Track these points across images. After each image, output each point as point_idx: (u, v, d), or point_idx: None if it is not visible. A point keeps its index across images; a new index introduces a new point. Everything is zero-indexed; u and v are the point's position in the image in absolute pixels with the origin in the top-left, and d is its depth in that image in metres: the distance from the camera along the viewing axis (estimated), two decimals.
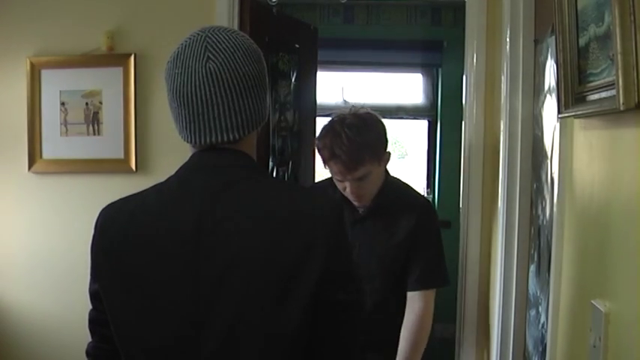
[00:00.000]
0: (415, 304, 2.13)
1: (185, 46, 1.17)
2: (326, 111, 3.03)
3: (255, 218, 1.12)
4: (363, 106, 2.14)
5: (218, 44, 1.16)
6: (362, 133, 2.01)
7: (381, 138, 2.09)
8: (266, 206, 1.14)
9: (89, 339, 1.29)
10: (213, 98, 1.14)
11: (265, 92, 1.22)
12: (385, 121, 2.15)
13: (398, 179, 2.31)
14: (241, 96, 1.16)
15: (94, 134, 2.82)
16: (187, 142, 1.19)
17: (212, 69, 1.14)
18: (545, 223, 1.90)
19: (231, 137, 1.16)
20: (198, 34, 1.18)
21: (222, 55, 1.15)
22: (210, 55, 1.15)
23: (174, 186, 1.19)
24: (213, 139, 1.16)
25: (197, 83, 1.14)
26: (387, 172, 2.23)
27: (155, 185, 1.22)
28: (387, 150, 2.14)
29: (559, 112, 1.32)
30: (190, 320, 1.11)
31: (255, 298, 1.09)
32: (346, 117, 2.05)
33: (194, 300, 1.11)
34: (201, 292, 1.10)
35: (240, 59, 1.16)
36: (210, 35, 1.17)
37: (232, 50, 1.16)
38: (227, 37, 1.18)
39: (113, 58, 2.78)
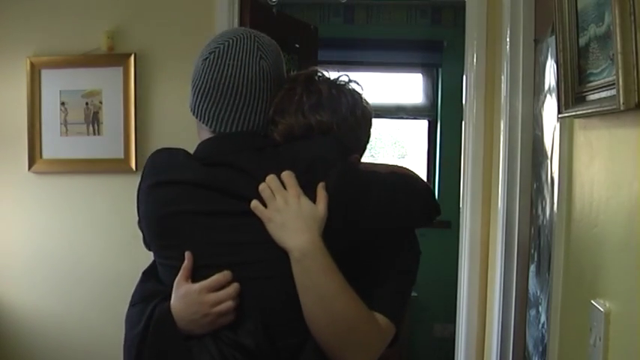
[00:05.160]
0: None
1: (234, 41, 1.25)
2: None
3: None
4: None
5: (267, 46, 1.27)
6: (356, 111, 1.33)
7: None
8: None
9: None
10: (262, 94, 1.24)
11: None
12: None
13: None
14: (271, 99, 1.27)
15: (94, 134, 2.82)
16: (216, 129, 1.25)
17: (265, 67, 1.24)
18: (545, 223, 1.90)
19: (258, 130, 1.26)
20: (245, 32, 1.27)
21: (272, 57, 1.27)
22: (262, 54, 1.25)
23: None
24: (245, 127, 1.24)
25: (250, 77, 1.23)
26: None
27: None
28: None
29: (559, 112, 1.32)
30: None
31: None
32: (346, 80, 1.37)
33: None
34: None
35: (281, 64, 1.29)
36: (257, 36, 1.27)
37: (277, 53, 1.29)
38: (270, 42, 1.29)
39: (113, 58, 2.78)
